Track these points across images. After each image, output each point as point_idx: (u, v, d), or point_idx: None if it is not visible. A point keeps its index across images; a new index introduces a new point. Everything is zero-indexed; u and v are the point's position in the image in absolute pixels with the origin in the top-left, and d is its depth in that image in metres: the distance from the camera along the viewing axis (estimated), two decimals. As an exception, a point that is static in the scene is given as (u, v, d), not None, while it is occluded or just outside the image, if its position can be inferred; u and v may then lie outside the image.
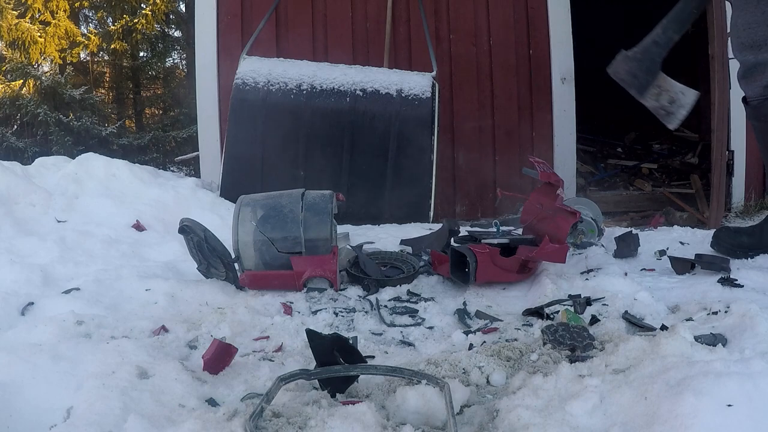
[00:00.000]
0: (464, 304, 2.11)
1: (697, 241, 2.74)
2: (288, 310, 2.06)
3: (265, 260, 2.27)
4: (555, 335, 1.60)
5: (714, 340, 1.58)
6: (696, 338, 1.52)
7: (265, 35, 4.36)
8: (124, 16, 10.48)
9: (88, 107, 10.03)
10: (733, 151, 4.49)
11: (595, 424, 1.22)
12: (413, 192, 3.71)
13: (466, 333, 1.84)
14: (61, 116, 9.50)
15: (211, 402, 1.46)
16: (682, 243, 2.72)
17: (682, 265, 2.29)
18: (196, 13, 4.64)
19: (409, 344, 1.82)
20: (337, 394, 1.41)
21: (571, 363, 1.44)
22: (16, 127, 9.95)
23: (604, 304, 1.92)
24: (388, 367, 1.47)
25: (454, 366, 1.54)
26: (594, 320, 1.81)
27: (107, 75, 11.80)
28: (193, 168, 8.94)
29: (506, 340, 1.74)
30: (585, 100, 4.85)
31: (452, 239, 2.57)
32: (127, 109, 11.81)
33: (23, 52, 9.79)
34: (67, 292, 2.14)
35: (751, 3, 2.27)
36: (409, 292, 2.24)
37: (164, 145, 10.40)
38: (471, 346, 1.73)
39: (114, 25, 10.61)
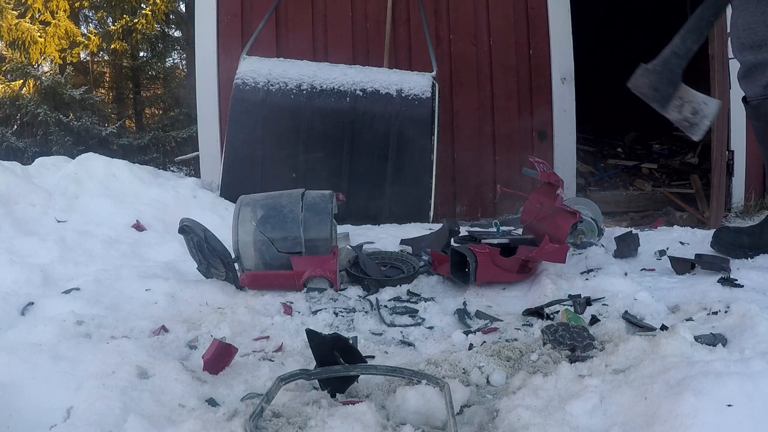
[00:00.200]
0: (464, 304, 2.11)
1: (697, 241, 2.74)
2: (288, 310, 2.06)
3: (265, 260, 2.27)
4: (555, 335, 1.60)
5: (714, 340, 1.58)
6: (696, 338, 1.52)
7: (265, 35, 4.36)
8: (124, 16, 10.49)
9: (88, 107, 10.04)
10: (733, 151, 4.49)
11: (595, 424, 1.22)
12: (413, 192, 3.70)
13: (466, 333, 1.84)
14: (61, 116, 9.50)
15: (211, 402, 1.46)
16: (682, 243, 2.72)
17: (682, 265, 2.29)
18: (196, 13, 4.64)
19: (409, 344, 1.82)
20: (337, 394, 1.41)
21: (571, 363, 1.44)
22: (16, 127, 9.96)
23: (604, 304, 1.92)
24: (388, 367, 1.47)
25: (454, 366, 1.54)
26: (594, 320, 1.81)
27: (107, 75, 11.81)
28: (193, 168, 8.94)
29: (506, 340, 1.73)
30: (585, 100, 4.85)
31: (452, 239, 2.57)
32: (127, 109, 11.81)
33: (23, 52, 9.79)
34: (67, 292, 2.14)
35: (751, 3, 2.27)
36: (409, 292, 2.24)
37: (164, 145, 10.40)
38: (471, 346, 1.73)
39: (114, 25, 10.61)
